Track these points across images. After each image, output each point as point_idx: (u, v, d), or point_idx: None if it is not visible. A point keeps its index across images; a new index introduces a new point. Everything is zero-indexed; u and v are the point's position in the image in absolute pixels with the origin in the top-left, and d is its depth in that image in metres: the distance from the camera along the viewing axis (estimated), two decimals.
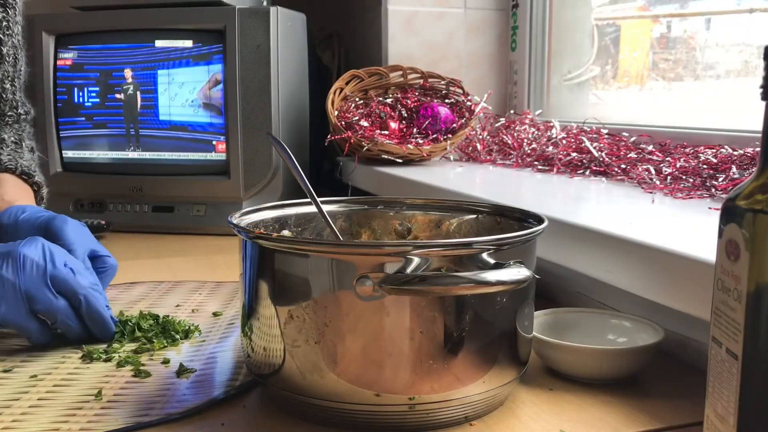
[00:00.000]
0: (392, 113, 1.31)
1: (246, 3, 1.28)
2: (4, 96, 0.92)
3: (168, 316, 0.75)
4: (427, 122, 1.27)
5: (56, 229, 0.74)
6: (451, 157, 1.34)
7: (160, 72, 1.25)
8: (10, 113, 0.93)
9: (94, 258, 0.75)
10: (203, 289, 0.90)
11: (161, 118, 1.26)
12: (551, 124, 1.26)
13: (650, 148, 1.03)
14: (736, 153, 0.90)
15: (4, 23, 0.91)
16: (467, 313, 0.51)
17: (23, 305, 0.65)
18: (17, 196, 0.85)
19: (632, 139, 1.09)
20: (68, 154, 1.31)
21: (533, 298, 0.58)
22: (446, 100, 1.35)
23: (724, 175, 0.86)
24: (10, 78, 0.94)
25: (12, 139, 0.91)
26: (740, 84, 1.08)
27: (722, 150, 0.92)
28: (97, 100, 1.29)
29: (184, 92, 1.24)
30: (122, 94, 1.27)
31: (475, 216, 0.68)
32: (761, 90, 0.39)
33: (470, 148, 1.32)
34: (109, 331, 0.70)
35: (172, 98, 1.25)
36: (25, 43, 0.97)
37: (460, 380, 0.52)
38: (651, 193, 0.88)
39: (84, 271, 0.69)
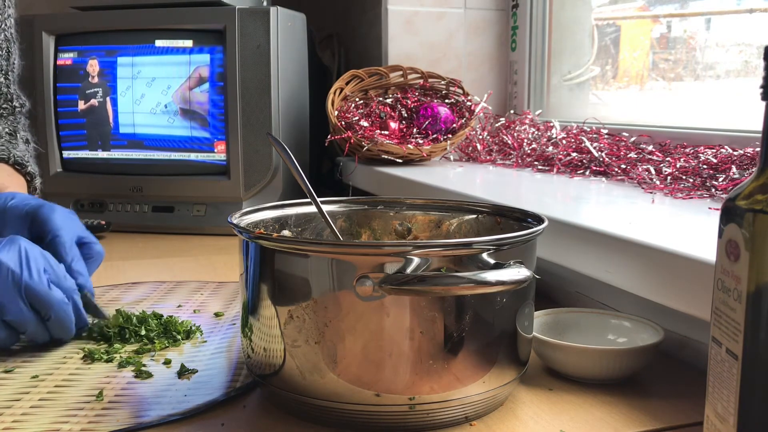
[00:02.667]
0: (392, 113, 1.31)
1: (246, 3, 1.28)
2: None
3: (171, 316, 0.75)
4: (427, 122, 1.27)
5: (43, 216, 0.73)
6: (451, 157, 1.34)
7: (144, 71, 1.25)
8: (4, 106, 0.92)
9: (82, 244, 0.75)
10: (205, 289, 0.90)
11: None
12: (551, 124, 1.26)
13: (650, 148, 1.03)
14: (736, 153, 0.90)
15: None
16: (467, 313, 0.51)
17: None
18: (8, 184, 0.85)
19: (632, 139, 1.09)
20: (68, 154, 1.31)
21: (533, 298, 0.58)
22: (446, 100, 1.35)
23: (724, 175, 0.86)
24: (3, 71, 0.93)
25: (6, 130, 0.91)
26: (740, 84, 1.08)
27: (722, 150, 0.92)
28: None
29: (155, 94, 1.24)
30: (123, 95, 1.27)
31: (475, 216, 0.68)
32: (761, 90, 0.39)
33: (470, 148, 1.32)
34: (70, 335, 0.69)
35: (137, 101, 1.25)
36: (19, 36, 0.97)
37: (460, 380, 0.52)
38: (651, 193, 0.88)
39: (62, 279, 0.67)
